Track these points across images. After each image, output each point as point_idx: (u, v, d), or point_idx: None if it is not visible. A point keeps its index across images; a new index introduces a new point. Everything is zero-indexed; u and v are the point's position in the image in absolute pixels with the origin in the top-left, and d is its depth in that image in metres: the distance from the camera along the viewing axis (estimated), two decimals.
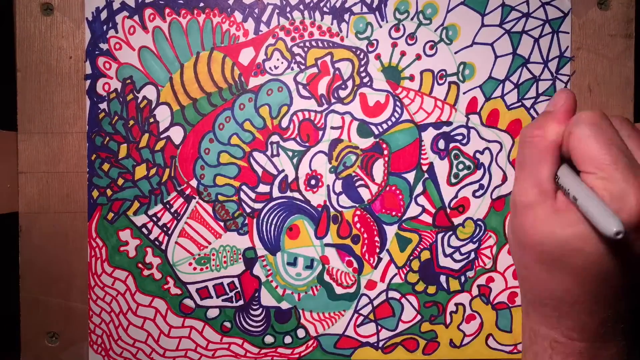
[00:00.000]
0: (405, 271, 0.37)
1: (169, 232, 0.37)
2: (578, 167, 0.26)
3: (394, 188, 0.37)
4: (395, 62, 0.37)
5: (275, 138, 0.37)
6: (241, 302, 0.37)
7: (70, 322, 0.37)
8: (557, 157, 0.27)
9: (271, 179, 0.37)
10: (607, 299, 0.26)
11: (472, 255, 0.37)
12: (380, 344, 0.37)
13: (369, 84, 0.37)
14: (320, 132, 0.37)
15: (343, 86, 0.37)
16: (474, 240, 0.37)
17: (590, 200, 0.24)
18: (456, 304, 0.37)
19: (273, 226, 0.37)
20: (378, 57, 0.37)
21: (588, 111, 0.27)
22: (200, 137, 0.36)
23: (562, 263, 0.26)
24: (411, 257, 0.37)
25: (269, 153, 0.37)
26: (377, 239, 0.37)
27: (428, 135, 0.37)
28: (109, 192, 0.36)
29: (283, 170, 0.37)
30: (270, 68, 0.37)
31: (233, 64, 0.36)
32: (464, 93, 0.37)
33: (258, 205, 0.37)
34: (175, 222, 0.37)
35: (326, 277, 0.37)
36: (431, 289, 0.37)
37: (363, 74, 0.37)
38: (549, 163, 0.27)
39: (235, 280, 0.37)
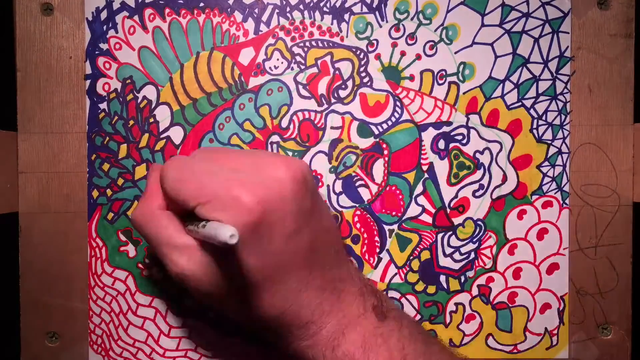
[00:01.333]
0: (405, 271, 0.37)
1: None
2: (188, 208, 0.27)
3: (394, 188, 0.37)
4: (395, 62, 0.37)
5: (275, 138, 0.37)
6: None
7: (70, 322, 0.37)
8: (168, 215, 0.29)
9: None
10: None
11: (472, 255, 0.37)
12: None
13: (369, 84, 0.37)
14: (320, 132, 0.37)
15: (343, 86, 0.37)
16: (474, 240, 0.37)
17: (205, 226, 0.25)
18: (456, 304, 0.37)
19: None
20: (378, 57, 0.37)
21: (166, 162, 0.29)
22: (200, 137, 0.36)
23: (229, 293, 0.28)
24: (411, 257, 0.37)
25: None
26: (377, 239, 0.37)
27: (428, 135, 0.37)
28: (109, 192, 0.36)
29: None
30: (270, 68, 0.37)
31: (233, 64, 0.36)
32: (464, 93, 0.37)
33: None
34: None
35: None
36: (431, 289, 0.37)
37: (363, 74, 0.37)
38: (164, 224, 0.28)
39: None
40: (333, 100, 0.37)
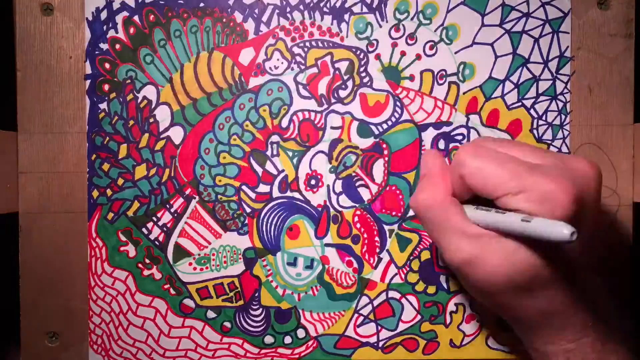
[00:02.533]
0: (405, 271, 0.37)
1: (169, 232, 0.37)
2: (490, 197, 0.27)
3: (394, 188, 0.37)
4: (395, 62, 0.37)
5: (275, 138, 0.37)
6: (241, 302, 0.37)
7: (70, 322, 0.37)
8: (456, 203, 0.29)
9: (271, 179, 0.37)
10: (574, 289, 0.27)
11: None
12: (380, 344, 0.37)
13: (369, 84, 0.37)
14: (320, 132, 0.37)
15: (343, 86, 0.37)
16: None
17: (528, 222, 0.25)
18: (456, 304, 0.37)
19: (273, 226, 0.37)
20: (378, 57, 0.37)
21: (460, 150, 0.28)
22: (200, 137, 0.36)
23: (531, 285, 0.27)
24: (411, 257, 0.37)
25: (269, 153, 0.37)
26: (377, 239, 0.37)
27: (428, 135, 0.37)
28: (109, 192, 0.36)
29: (283, 170, 0.37)
30: (270, 68, 0.37)
31: (233, 64, 0.36)
32: (464, 93, 0.37)
33: (258, 205, 0.37)
34: (175, 222, 0.37)
35: (326, 277, 0.37)
36: (431, 289, 0.37)
37: (363, 74, 0.37)
38: (454, 211, 0.28)
39: (235, 280, 0.37)
40: (333, 100, 0.37)
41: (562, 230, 0.23)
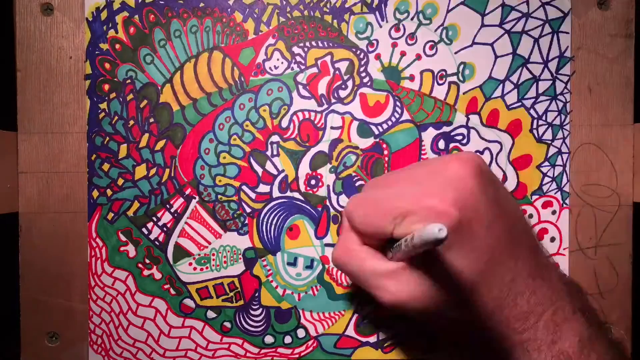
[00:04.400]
0: None
1: (169, 232, 0.37)
2: (387, 236, 0.28)
3: None
4: (395, 62, 0.37)
5: (275, 138, 0.37)
6: (241, 302, 0.37)
7: (70, 322, 0.37)
8: (366, 249, 0.30)
9: (271, 179, 0.37)
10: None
11: None
12: (380, 343, 0.37)
13: (369, 84, 0.37)
14: (320, 132, 0.37)
15: (343, 86, 0.37)
16: None
17: (405, 240, 0.25)
18: None
19: (273, 226, 0.37)
20: (378, 57, 0.37)
21: (348, 202, 0.30)
22: (200, 137, 0.36)
23: (444, 308, 0.28)
24: None
25: (269, 153, 0.37)
26: None
27: (428, 135, 0.37)
28: (109, 192, 0.36)
29: (283, 170, 0.37)
30: (270, 68, 0.37)
31: (233, 64, 0.36)
32: (464, 93, 0.37)
33: (258, 205, 0.37)
34: (175, 222, 0.37)
35: (326, 277, 0.37)
36: None
37: (363, 74, 0.37)
38: (366, 257, 0.29)
39: (236, 280, 0.37)
40: (333, 100, 0.37)
41: (434, 229, 0.23)
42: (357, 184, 0.37)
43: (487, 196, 0.27)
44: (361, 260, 0.29)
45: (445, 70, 0.37)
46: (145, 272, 0.37)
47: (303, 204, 0.37)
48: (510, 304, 0.27)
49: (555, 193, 0.37)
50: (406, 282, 0.27)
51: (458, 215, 0.25)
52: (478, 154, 0.31)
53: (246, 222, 0.37)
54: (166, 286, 0.37)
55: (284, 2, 0.36)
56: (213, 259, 0.37)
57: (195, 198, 0.37)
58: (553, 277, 0.29)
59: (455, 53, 0.37)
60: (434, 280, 0.27)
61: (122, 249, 0.37)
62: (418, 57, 0.37)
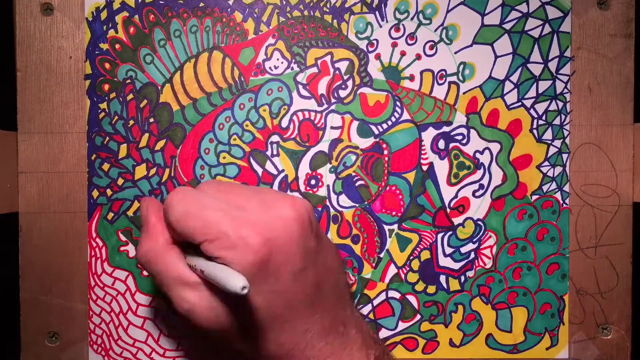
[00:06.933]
0: (405, 271, 0.37)
1: None
2: (194, 243, 0.27)
3: (394, 188, 0.37)
4: (395, 62, 0.37)
5: (275, 138, 0.37)
6: None
7: (70, 322, 0.37)
8: (175, 251, 0.29)
9: (271, 178, 0.37)
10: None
11: (472, 255, 0.37)
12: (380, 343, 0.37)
13: (369, 84, 0.37)
14: (320, 132, 0.37)
15: (343, 86, 0.37)
16: (474, 240, 0.37)
17: (213, 268, 0.25)
18: (456, 304, 0.37)
19: None
20: (378, 57, 0.37)
21: (171, 194, 0.28)
22: (200, 137, 0.36)
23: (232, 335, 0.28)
24: (411, 257, 0.37)
25: (269, 153, 0.37)
26: (377, 239, 0.37)
27: (428, 135, 0.37)
28: (109, 192, 0.36)
29: (283, 170, 0.37)
30: (270, 68, 0.37)
31: (233, 64, 0.36)
32: (464, 93, 0.37)
33: None
34: None
35: None
36: (431, 289, 0.37)
37: (363, 74, 0.37)
38: (172, 260, 0.28)
39: None
40: (333, 100, 0.37)
41: (237, 284, 0.23)
42: (357, 183, 0.37)
43: (305, 246, 0.27)
44: (169, 263, 0.28)
45: (445, 70, 0.37)
46: (145, 272, 0.37)
47: None
48: (298, 354, 0.28)
49: (555, 193, 0.37)
50: (206, 299, 0.27)
51: (266, 255, 0.26)
52: (310, 204, 0.30)
53: None
54: None
55: (284, 2, 0.36)
56: None
57: None
58: (351, 329, 0.29)
59: (455, 53, 0.37)
60: (229, 308, 0.27)
61: (122, 249, 0.37)
62: (418, 57, 0.37)
